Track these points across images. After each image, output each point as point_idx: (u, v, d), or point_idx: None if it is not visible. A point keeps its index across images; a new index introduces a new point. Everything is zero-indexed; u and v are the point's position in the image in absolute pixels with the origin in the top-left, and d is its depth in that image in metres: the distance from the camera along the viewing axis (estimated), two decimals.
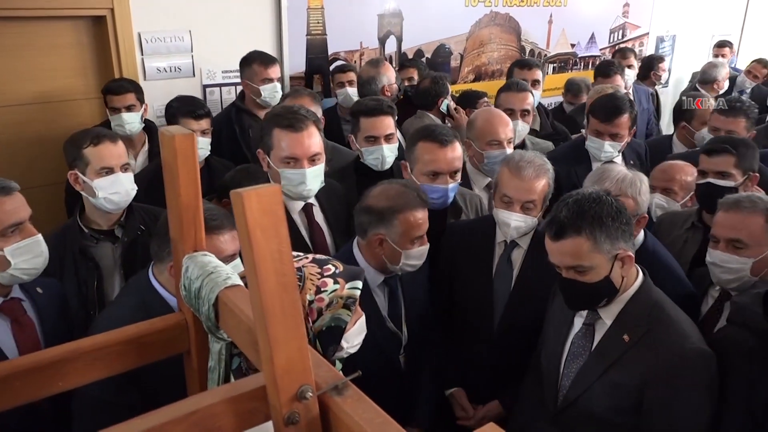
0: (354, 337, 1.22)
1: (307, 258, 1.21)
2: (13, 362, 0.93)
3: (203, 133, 2.63)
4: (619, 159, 2.71)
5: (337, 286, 1.17)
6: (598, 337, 1.60)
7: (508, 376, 2.00)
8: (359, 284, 1.21)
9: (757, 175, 2.21)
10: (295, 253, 1.25)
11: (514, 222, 1.92)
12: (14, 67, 2.90)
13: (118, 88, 2.77)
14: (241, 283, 0.93)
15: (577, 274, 1.52)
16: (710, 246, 1.80)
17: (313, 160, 1.98)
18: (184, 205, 0.97)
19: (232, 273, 0.95)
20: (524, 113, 2.85)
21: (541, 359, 1.78)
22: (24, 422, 1.43)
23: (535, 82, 3.32)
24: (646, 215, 1.98)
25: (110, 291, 2.03)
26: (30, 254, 1.59)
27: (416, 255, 1.82)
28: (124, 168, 2.03)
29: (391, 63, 4.00)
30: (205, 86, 3.36)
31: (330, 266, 1.20)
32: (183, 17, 3.19)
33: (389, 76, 3.38)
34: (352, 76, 3.48)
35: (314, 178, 1.99)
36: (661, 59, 4.85)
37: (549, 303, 1.82)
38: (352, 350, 1.23)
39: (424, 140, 2.11)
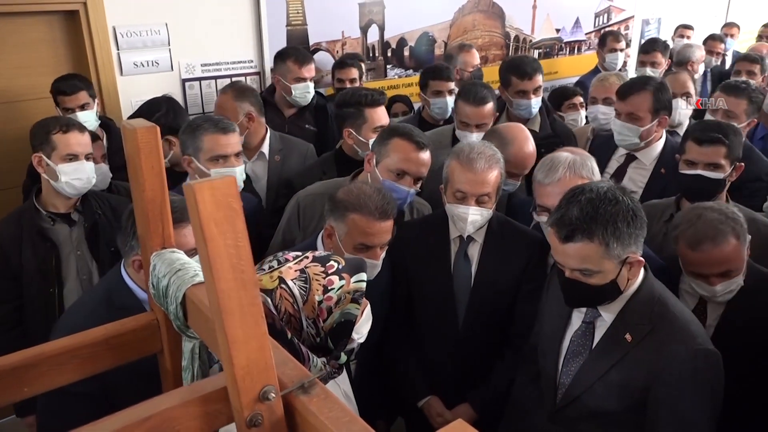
0: (363, 327, 1.21)
1: (307, 258, 1.20)
2: None
3: None
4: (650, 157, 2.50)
5: (344, 282, 1.17)
6: (598, 336, 1.54)
7: (475, 376, 1.95)
8: (364, 276, 1.20)
9: (743, 165, 2.08)
10: (294, 254, 1.24)
11: (471, 216, 1.86)
12: None
13: (70, 88, 2.63)
14: None
15: (581, 276, 1.44)
16: None
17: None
18: (149, 200, 0.94)
19: (200, 269, 0.92)
20: (480, 126, 2.64)
21: (539, 355, 1.73)
22: None
23: (537, 90, 2.91)
24: None
25: (66, 271, 2.17)
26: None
27: None
28: (88, 157, 2.15)
29: (373, 53, 3.96)
30: (184, 80, 3.29)
31: (332, 263, 1.19)
32: (159, 10, 3.12)
33: (467, 62, 3.61)
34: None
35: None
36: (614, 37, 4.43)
37: (543, 293, 1.77)
38: (361, 340, 1.22)
39: (401, 138, 2.01)
